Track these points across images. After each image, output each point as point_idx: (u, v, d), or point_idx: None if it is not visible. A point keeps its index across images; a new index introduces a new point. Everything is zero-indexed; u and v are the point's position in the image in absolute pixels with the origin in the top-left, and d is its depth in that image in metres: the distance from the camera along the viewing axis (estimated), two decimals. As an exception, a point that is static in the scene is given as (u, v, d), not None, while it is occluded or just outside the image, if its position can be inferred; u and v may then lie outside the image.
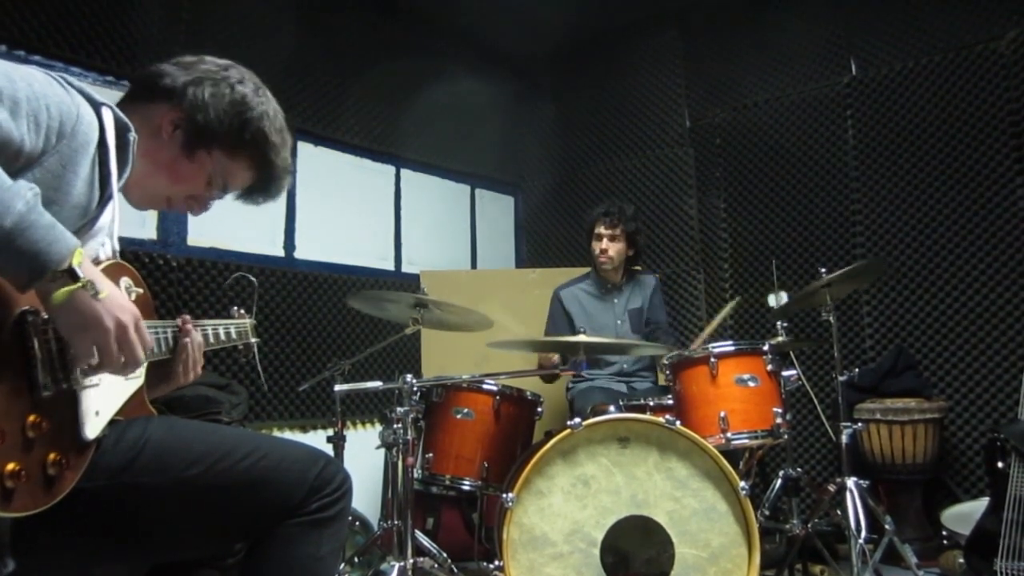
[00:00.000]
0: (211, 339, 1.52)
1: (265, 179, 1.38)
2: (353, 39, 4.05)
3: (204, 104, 1.27)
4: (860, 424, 2.74)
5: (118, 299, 1.06)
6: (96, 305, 1.02)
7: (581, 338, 2.49)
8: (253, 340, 1.73)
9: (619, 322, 3.40)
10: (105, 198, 1.17)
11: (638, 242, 3.45)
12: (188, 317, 1.43)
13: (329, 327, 3.78)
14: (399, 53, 4.25)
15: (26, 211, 0.94)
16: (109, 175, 1.16)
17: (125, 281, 1.26)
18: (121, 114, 1.19)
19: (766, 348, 2.52)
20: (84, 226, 1.14)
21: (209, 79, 1.29)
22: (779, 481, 2.90)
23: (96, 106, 1.14)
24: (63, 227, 1.00)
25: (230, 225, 3.45)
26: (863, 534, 2.40)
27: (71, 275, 0.99)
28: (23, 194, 0.95)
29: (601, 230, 3.36)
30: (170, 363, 1.41)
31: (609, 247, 3.35)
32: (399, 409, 2.38)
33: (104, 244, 1.24)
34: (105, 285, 1.04)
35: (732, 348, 2.53)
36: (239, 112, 1.30)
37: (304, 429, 3.60)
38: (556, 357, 3.18)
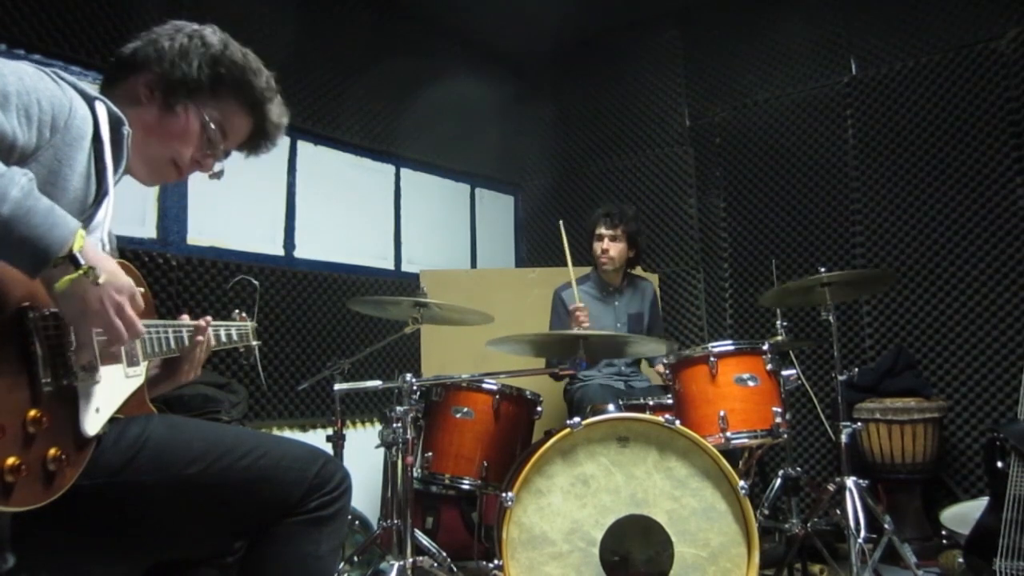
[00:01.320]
0: (212, 341, 1.53)
1: (260, 118, 1.39)
2: (353, 39, 4.05)
3: (169, 57, 1.29)
4: (859, 424, 2.75)
5: (115, 279, 1.07)
6: (97, 291, 1.03)
7: (586, 331, 2.49)
8: (254, 343, 1.73)
9: (619, 324, 3.41)
10: (101, 193, 1.17)
11: (639, 243, 3.46)
12: (209, 318, 1.45)
13: (329, 326, 3.78)
14: (399, 53, 4.25)
15: (22, 197, 0.94)
16: (105, 169, 1.16)
17: (125, 280, 1.26)
18: (115, 108, 1.19)
19: (766, 347, 2.52)
20: (81, 222, 1.13)
21: (165, 35, 1.32)
22: (778, 480, 2.90)
23: (89, 100, 1.14)
24: (62, 210, 1.00)
25: (230, 224, 3.44)
26: (862, 534, 2.40)
27: (72, 261, 0.99)
28: (17, 180, 0.95)
29: (602, 230, 3.37)
30: (175, 361, 1.41)
31: (610, 247, 3.36)
32: (399, 408, 2.38)
33: (101, 240, 1.24)
34: (105, 266, 1.05)
35: (732, 347, 2.53)
36: (204, 51, 1.31)
37: (304, 428, 3.60)
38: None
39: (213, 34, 1.36)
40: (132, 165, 1.32)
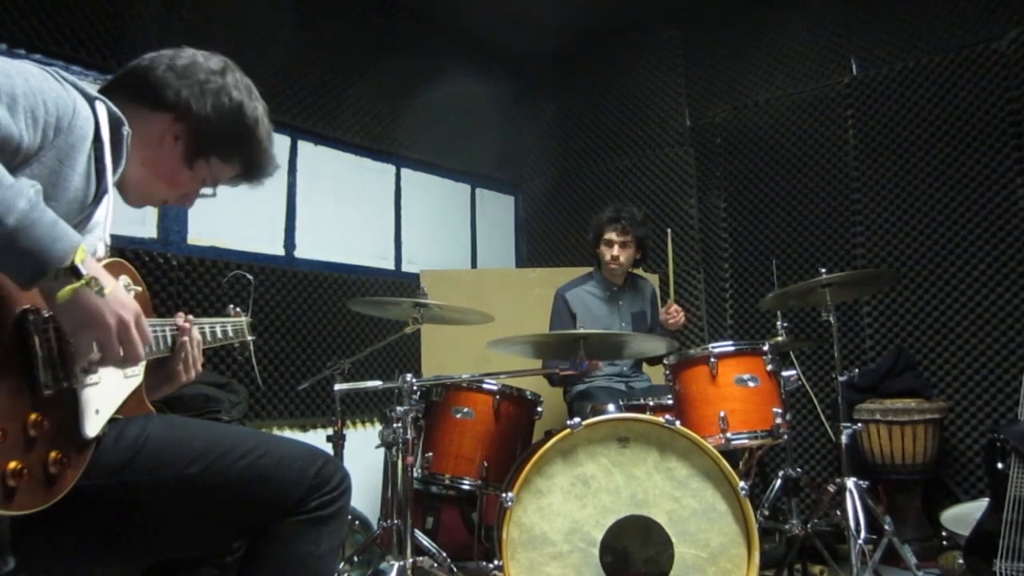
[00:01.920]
0: (208, 337, 1.52)
1: (251, 175, 1.43)
2: (353, 38, 4.05)
3: (208, 118, 1.30)
4: (860, 424, 2.75)
5: (120, 296, 1.07)
6: (99, 302, 1.03)
7: (587, 331, 2.48)
8: (249, 338, 1.73)
9: (623, 324, 3.41)
10: (100, 193, 1.17)
11: (646, 247, 3.45)
12: (191, 318, 1.44)
13: (329, 326, 3.78)
14: (399, 52, 4.25)
15: (29, 209, 0.94)
16: (104, 169, 1.16)
17: (123, 279, 1.26)
18: (114, 108, 1.19)
19: (766, 348, 2.52)
20: (81, 222, 1.14)
21: (210, 91, 1.31)
22: (779, 481, 2.90)
23: (90, 100, 1.14)
24: (66, 224, 0.99)
25: (230, 224, 3.45)
26: (862, 534, 2.40)
27: (74, 272, 0.99)
28: (25, 192, 0.95)
29: (613, 236, 3.33)
30: (170, 362, 1.41)
31: (620, 254, 3.33)
32: (399, 408, 2.38)
33: (100, 240, 1.24)
34: (108, 281, 1.05)
35: (732, 348, 2.53)
36: (237, 123, 1.34)
37: (304, 428, 3.61)
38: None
39: (251, 101, 1.36)
40: (127, 191, 1.34)
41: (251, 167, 1.41)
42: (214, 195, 1.43)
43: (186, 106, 1.29)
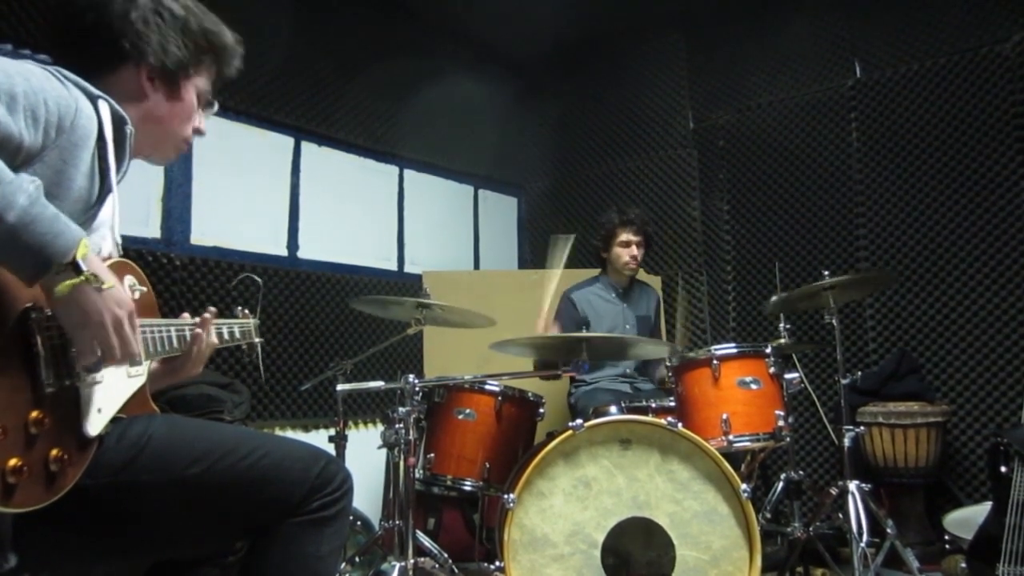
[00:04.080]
0: (215, 339, 1.52)
1: (223, 61, 1.41)
2: (356, 40, 4.06)
3: (160, 44, 1.27)
4: (862, 427, 2.74)
5: (116, 293, 1.07)
6: (96, 299, 1.03)
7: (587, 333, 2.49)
8: (257, 340, 1.73)
9: (628, 326, 3.43)
10: (104, 192, 1.17)
11: (651, 245, 3.55)
12: (208, 315, 1.45)
13: (331, 327, 3.78)
14: (402, 53, 4.25)
15: (29, 205, 0.94)
16: (108, 168, 1.16)
17: (129, 279, 1.26)
18: (118, 107, 1.19)
19: (768, 351, 2.52)
20: (85, 221, 1.14)
21: (139, 19, 1.25)
22: (781, 484, 2.90)
23: (93, 99, 1.14)
24: (67, 219, 1.00)
25: (234, 224, 3.45)
26: (865, 538, 2.40)
27: (75, 268, 0.99)
28: (25, 187, 0.95)
29: (630, 236, 3.41)
30: (177, 357, 1.41)
31: (638, 253, 3.43)
32: (401, 409, 2.38)
33: (105, 238, 1.24)
34: (108, 277, 1.05)
35: (735, 350, 2.53)
36: (183, 29, 1.31)
37: (306, 428, 3.61)
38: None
39: (172, 2, 1.32)
40: (152, 154, 1.35)
41: (219, 56, 1.39)
42: (215, 108, 1.43)
43: (137, 50, 1.25)
